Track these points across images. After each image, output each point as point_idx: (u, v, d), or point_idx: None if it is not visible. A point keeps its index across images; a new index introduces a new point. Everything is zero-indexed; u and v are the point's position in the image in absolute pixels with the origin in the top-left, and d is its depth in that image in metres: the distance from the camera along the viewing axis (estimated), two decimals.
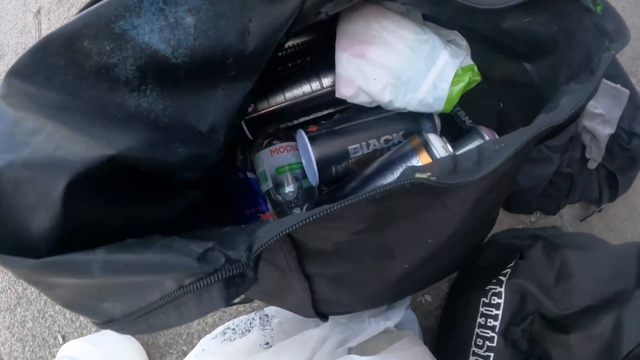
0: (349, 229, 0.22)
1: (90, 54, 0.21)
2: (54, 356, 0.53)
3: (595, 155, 0.46)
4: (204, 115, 0.24)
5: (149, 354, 0.45)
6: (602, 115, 0.45)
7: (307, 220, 0.18)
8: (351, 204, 0.18)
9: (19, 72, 0.20)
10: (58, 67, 0.21)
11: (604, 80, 0.47)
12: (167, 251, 0.16)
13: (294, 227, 0.18)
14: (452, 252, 0.32)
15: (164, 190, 0.21)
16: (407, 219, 0.24)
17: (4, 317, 0.58)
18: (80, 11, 0.23)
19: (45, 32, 0.65)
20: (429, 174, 0.18)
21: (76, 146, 0.16)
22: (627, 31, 0.26)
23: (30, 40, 0.66)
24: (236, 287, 0.16)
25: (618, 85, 0.47)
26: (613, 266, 0.28)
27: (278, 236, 0.18)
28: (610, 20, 0.26)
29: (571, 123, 0.27)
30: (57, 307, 0.52)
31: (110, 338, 0.44)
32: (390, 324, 0.33)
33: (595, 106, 0.45)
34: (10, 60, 0.67)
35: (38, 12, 0.68)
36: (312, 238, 0.23)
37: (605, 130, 0.45)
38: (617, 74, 0.48)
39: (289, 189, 0.37)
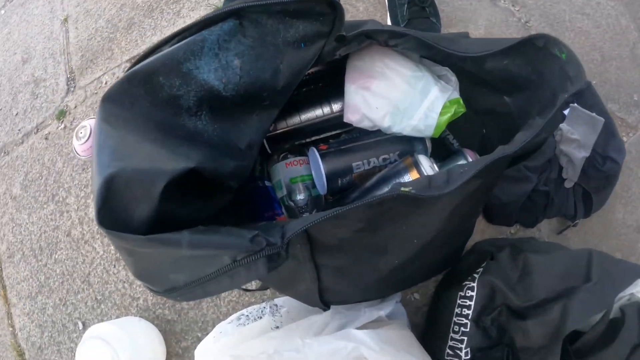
0: (351, 227, 0.31)
1: (163, 87, 0.30)
2: (72, 341, 0.61)
3: (571, 176, 0.55)
4: (242, 135, 0.33)
5: (166, 340, 0.53)
6: (578, 140, 0.54)
7: (324, 218, 0.27)
8: (354, 207, 0.27)
9: (111, 98, 0.29)
10: (139, 95, 0.29)
11: (581, 108, 0.57)
12: (229, 235, 0.24)
13: (313, 223, 0.27)
14: (436, 253, 0.41)
15: (215, 193, 0.30)
16: (396, 223, 0.32)
17: (24, 305, 0.66)
18: (153, 50, 0.32)
19: (73, 40, 0.74)
20: (410, 188, 0.26)
21: (167, 159, 0.25)
22: (584, 76, 0.35)
23: (57, 46, 0.75)
24: (274, 262, 0.25)
25: (594, 114, 0.56)
26: (566, 267, 0.37)
27: (302, 228, 0.26)
28: (573, 66, 0.36)
29: (528, 153, 0.36)
30: (79, 295, 0.60)
31: (132, 323, 0.52)
32: (382, 313, 0.41)
33: (572, 132, 0.55)
34: (37, 63, 0.76)
35: (65, 20, 0.77)
36: (323, 234, 0.31)
37: (580, 154, 0.54)
38: (593, 103, 0.58)
39: (301, 196, 0.45)
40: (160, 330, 0.54)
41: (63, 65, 0.72)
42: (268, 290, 0.50)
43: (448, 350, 0.40)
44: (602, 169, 0.55)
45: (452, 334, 0.40)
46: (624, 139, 0.68)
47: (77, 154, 0.50)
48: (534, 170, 0.52)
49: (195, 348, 0.43)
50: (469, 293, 0.39)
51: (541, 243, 0.51)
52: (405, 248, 0.36)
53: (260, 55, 0.33)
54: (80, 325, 0.60)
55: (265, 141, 0.45)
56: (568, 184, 0.56)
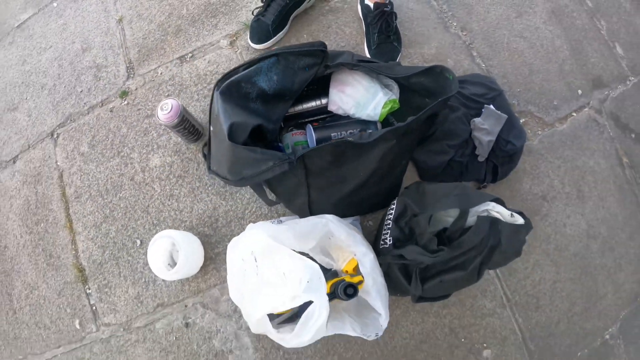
0: (326, 159, 0.91)
1: (243, 88, 0.92)
2: (130, 255, 1.21)
3: (482, 153, 1.17)
4: (274, 114, 0.95)
5: (204, 248, 1.13)
6: (487, 129, 1.16)
7: (312, 149, 0.88)
8: (327, 144, 0.88)
9: (222, 92, 0.91)
10: (233, 91, 0.91)
11: (492, 108, 1.19)
12: (272, 153, 0.85)
13: (308, 150, 0.88)
14: (378, 186, 1.02)
15: (265, 139, 0.92)
16: (351, 161, 0.93)
17: (88, 232, 1.25)
18: (237, 68, 0.94)
19: (129, 37, 1.35)
20: (352, 138, 0.87)
21: (249, 119, 0.86)
22: (456, 88, 0.96)
23: (115, 41, 1.36)
24: (291, 165, 0.85)
25: (500, 112, 1.18)
26: (445, 190, 0.98)
27: (304, 152, 0.88)
28: (454, 83, 0.97)
29: (429, 127, 0.98)
30: (139, 221, 1.19)
31: (186, 233, 1.12)
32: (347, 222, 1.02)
33: (482, 123, 1.16)
34: (97, 52, 1.37)
35: (120, 20, 1.39)
36: (312, 162, 0.92)
37: (487, 138, 1.16)
38: (502, 105, 1.19)
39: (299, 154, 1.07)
40: (201, 242, 1.14)
41: (122, 56, 1.34)
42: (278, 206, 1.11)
43: (381, 241, 1.01)
44: (504, 149, 1.17)
45: (383, 232, 1.00)
46: (539, 132, 1.30)
47: (160, 119, 1.08)
48: (452, 147, 1.13)
49: (225, 254, 1.03)
50: (392, 206, 0.99)
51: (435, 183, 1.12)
52: (356, 178, 0.97)
53: (286, 74, 0.95)
54: (138, 243, 1.20)
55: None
56: (480, 159, 1.17)
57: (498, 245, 0.93)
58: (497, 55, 1.33)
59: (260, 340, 1.14)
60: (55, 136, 1.32)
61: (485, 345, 1.19)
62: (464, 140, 1.15)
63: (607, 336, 1.29)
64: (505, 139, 1.17)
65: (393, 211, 1.00)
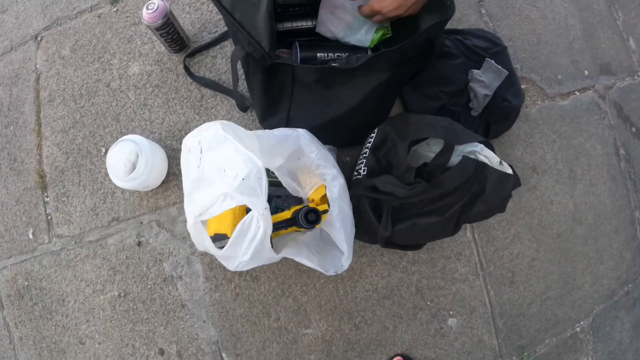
0: (312, 77, 0.78)
1: None
2: (93, 164, 1.08)
3: (476, 107, 1.04)
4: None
5: (169, 162, 1.01)
6: (484, 82, 1.03)
7: (300, 65, 0.75)
8: (316, 68, 0.76)
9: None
10: None
11: (492, 62, 1.05)
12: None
13: (296, 64, 0.75)
14: (364, 119, 0.89)
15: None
16: (338, 86, 0.80)
17: (55, 137, 1.13)
18: None
19: None
20: (337, 64, 0.75)
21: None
22: (453, 13, 0.82)
23: None
24: (263, 60, 0.73)
25: (500, 67, 1.05)
26: (431, 121, 0.84)
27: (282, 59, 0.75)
28: (452, 7, 0.84)
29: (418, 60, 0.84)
30: (107, 129, 1.07)
31: (152, 142, 0.99)
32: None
33: (480, 75, 1.04)
34: None
35: None
36: (301, 75, 0.79)
37: (484, 92, 1.03)
38: (504, 61, 1.07)
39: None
40: (167, 155, 1.01)
41: None
42: None
43: (355, 172, 0.88)
44: (500, 106, 1.04)
45: (358, 161, 0.87)
46: (538, 102, 1.17)
47: (144, 19, 0.96)
48: (445, 94, 1.01)
49: None
50: (372, 135, 0.87)
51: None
52: (341, 107, 0.83)
53: None
54: (103, 151, 1.08)
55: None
56: (474, 113, 1.04)
57: (482, 194, 0.80)
58: (506, 18, 1.21)
59: (213, 269, 1.01)
60: (39, 39, 1.20)
61: (451, 313, 1.06)
62: (459, 89, 1.02)
63: (578, 329, 1.16)
64: (502, 96, 1.04)
65: (372, 139, 0.87)
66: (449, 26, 0.86)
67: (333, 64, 0.75)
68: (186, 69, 1.06)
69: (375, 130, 0.87)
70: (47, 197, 1.11)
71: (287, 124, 0.89)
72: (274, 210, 0.85)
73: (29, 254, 1.12)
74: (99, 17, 1.17)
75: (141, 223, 1.04)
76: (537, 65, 1.20)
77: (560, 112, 1.19)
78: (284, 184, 0.79)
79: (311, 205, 0.83)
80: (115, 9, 1.16)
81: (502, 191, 0.81)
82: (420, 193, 0.78)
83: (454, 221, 0.81)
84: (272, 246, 0.72)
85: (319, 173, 0.82)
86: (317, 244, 0.82)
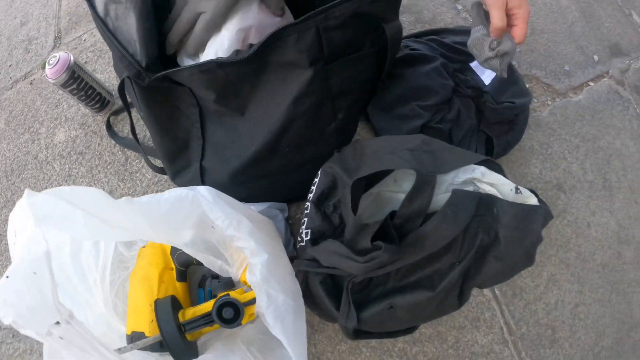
0: (210, 97, 0.54)
1: None
2: None
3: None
4: None
5: None
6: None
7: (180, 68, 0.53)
8: (194, 66, 0.52)
9: None
10: None
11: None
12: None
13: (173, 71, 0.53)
14: (303, 150, 0.62)
15: None
16: (249, 107, 0.55)
17: None
18: None
19: (64, 7, 1.10)
20: (222, 57, 0.51)
21: None
22: None
23: (51, 12, 1.11)
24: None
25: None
26: (397, 142, 0.56)
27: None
28: None
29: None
30: None
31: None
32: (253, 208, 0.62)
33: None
34: (33, 25, 1.11)
35: None
36: (199, 94, 0.56)
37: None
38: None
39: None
40: None
41: (53, 27, 1.07)
42: None
43: (298, 237, 0.59)
44: (496, 108, 0.77)
45: (302, 220, 0.58)
46: (549, 102, 0.91)
47: (47, 77, 0.79)
48: (426, 109, 0.76)
49: None
50: (315, 180, 0.58)
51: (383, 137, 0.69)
52: (261, 136, 0.58)
53: None
54: None
55: None
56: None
57: (493, 245, 0.49)
58: None
59: None
60: None
61: None
62: (444, 99, 0.77)
63: None
64: (502, 100, 0.79)
65: (314, 186, 0.60)
66: (420, 29, 0.63)
67: (215, 59, 0.51)
68: (108, 129, 0.87)
69: (319, 172, 0.59)
70: None
71: (202, 178, 0.64)
72: (208, 296, 0.59)
73: None
74: (31, 84, 1.01)
75: None
76: (537, 58, 0.94)
77: (576, 109, 0.92)
78: (205, 264, 0.55)
79: (237, 292, 0.56)
80: (45, 73, 1.00)
81: (525, 235, 0.49)
82: (384, 264, 0.49)
83: (455, 292, 0.52)
84: (196, 347, 0.47)
85: (236, 247, 0.54)
86: (262, 340, 0.55)
